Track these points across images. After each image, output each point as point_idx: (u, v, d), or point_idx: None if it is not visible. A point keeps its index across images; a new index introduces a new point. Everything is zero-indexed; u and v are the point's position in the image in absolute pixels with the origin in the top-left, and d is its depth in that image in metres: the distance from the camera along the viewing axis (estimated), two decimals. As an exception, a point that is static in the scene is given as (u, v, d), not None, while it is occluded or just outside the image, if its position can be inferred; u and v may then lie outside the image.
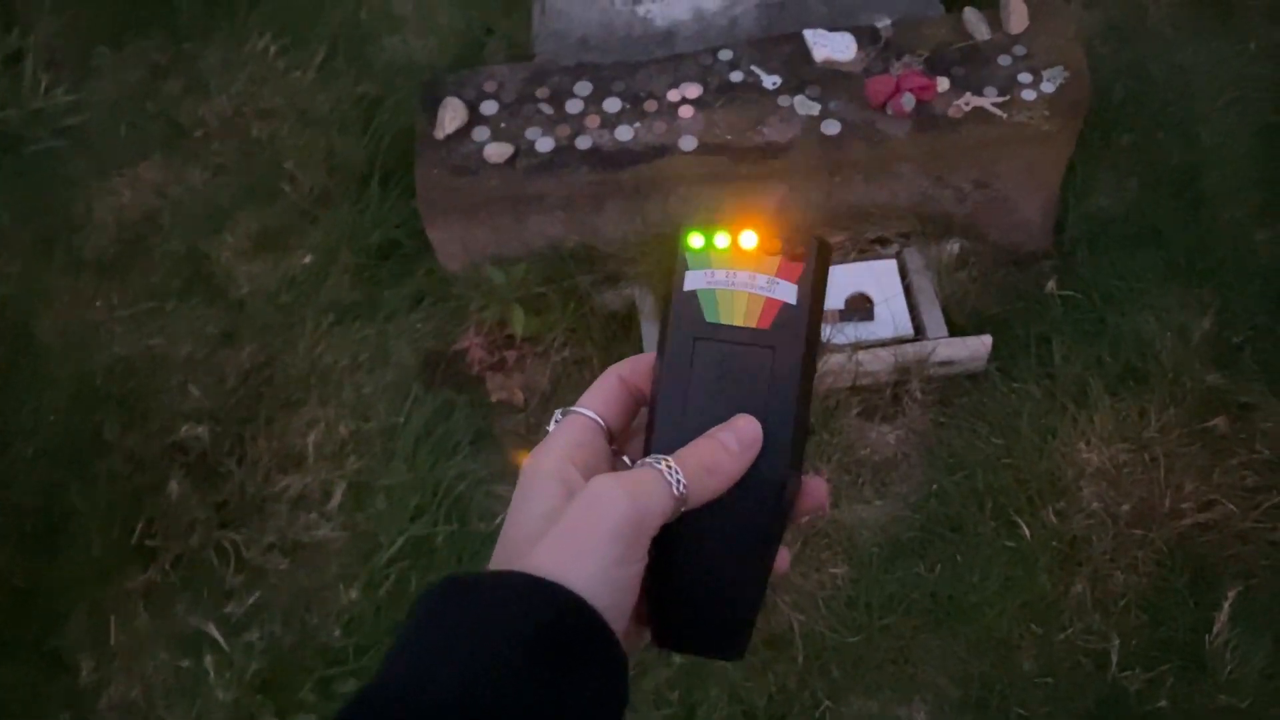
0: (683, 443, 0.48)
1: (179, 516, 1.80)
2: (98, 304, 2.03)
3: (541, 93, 1.89)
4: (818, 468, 1.81)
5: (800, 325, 0.49)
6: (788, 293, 0.49)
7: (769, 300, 0.49)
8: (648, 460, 0.48)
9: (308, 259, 2.00)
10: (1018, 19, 1.88)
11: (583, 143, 1.83)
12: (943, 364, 1.85)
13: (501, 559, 0.46)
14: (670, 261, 0.51)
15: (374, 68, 2.26)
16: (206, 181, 2.15)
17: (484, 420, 1.90)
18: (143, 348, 1.98)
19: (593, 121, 1.85)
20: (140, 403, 1.92)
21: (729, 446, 0.48)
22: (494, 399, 1.92)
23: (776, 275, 0.49)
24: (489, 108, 1.87)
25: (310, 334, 1.94)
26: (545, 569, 0.43)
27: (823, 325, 1.85)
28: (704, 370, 0.50)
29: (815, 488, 0.52)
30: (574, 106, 1.87)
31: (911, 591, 1.72)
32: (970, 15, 1.90)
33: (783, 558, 0.51)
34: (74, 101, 2.30)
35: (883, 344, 1.84)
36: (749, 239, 0.50)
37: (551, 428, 0.50)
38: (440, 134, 1.84)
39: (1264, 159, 2.10)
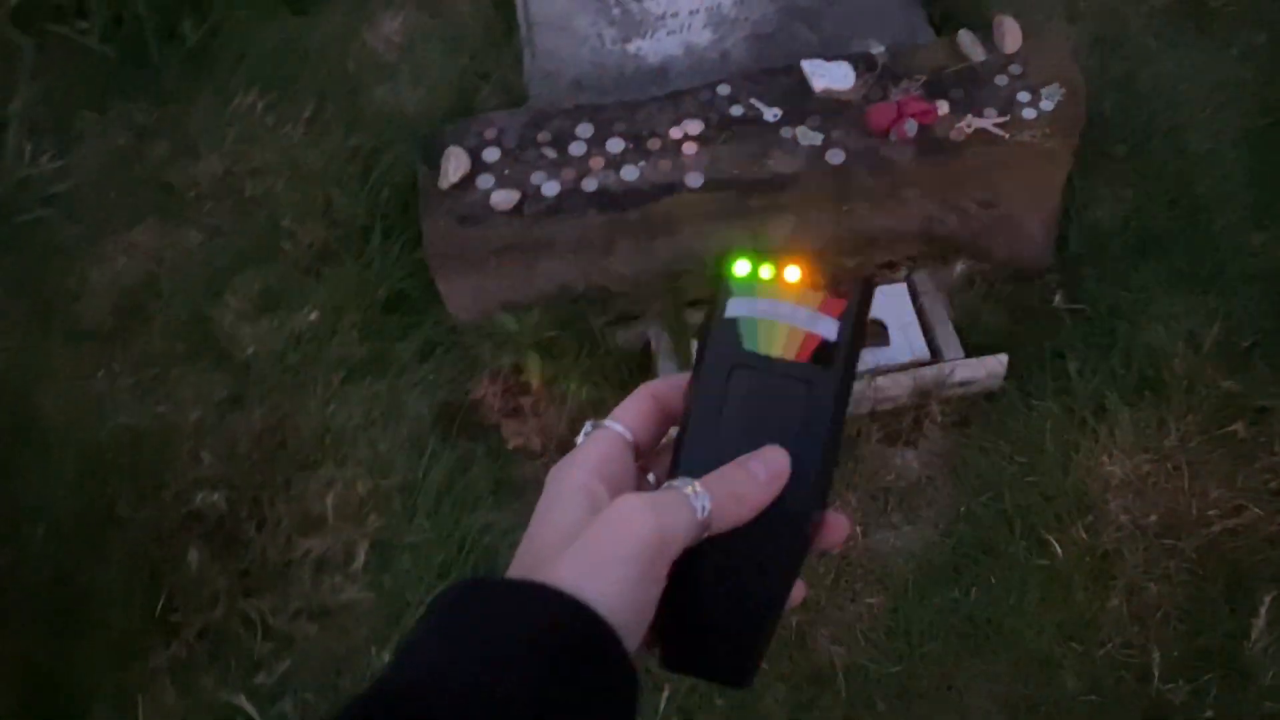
0: (711, 467, 0.48)
1: (201, 587, 1.76)
2: (100, 374, 1.99)
3: (543, 137, 1.88)
4: (844, 497, 1.80)
5: (838, 362, 0.49)
6: (829, 329, 0.49)
7: (809, 335, 0.49)
8: (674, 483, 0.48)
9: (313, 316, 1.98)
10: (1012, 39, 1.90)
11: (589, 185, 1.82)
12: (960, 385, 1.86)
13: (522, 567, 0.46)
14: (712, 285, 0.52)
15: (365, 118, 2.24)
16: (203, 243, 2.12)
17: (503, 469, 1.88)
18: (150, 416, 1.94)
19: (597, 163, 1.84)
20: (152, 473, 1.88)
21: (757, 476, 0.48)
22: (511, 446, 1.90)
23: (819, 310, 0.49)
24: (491, 155, 1.86)
25: (321, 393, 1.92)
26: (566, 582, 0.43)
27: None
28: (738, 398, 0.50)
29: (837, 524, 0.52)
30: (577, 149, 1.86)
31: (949, 617, 1.71)
32: (965, 37, 1.91)
33: (798, 590, 0.51)
34: (60, 168, 2.26)
35: (901, 368, 1.84)
36: (794, 271, 0.50)
37: (581, 439, 0.51)
38: (444, 184, 1.82)
39: (1254, 162, 2.12)
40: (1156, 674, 1.64)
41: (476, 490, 1.84)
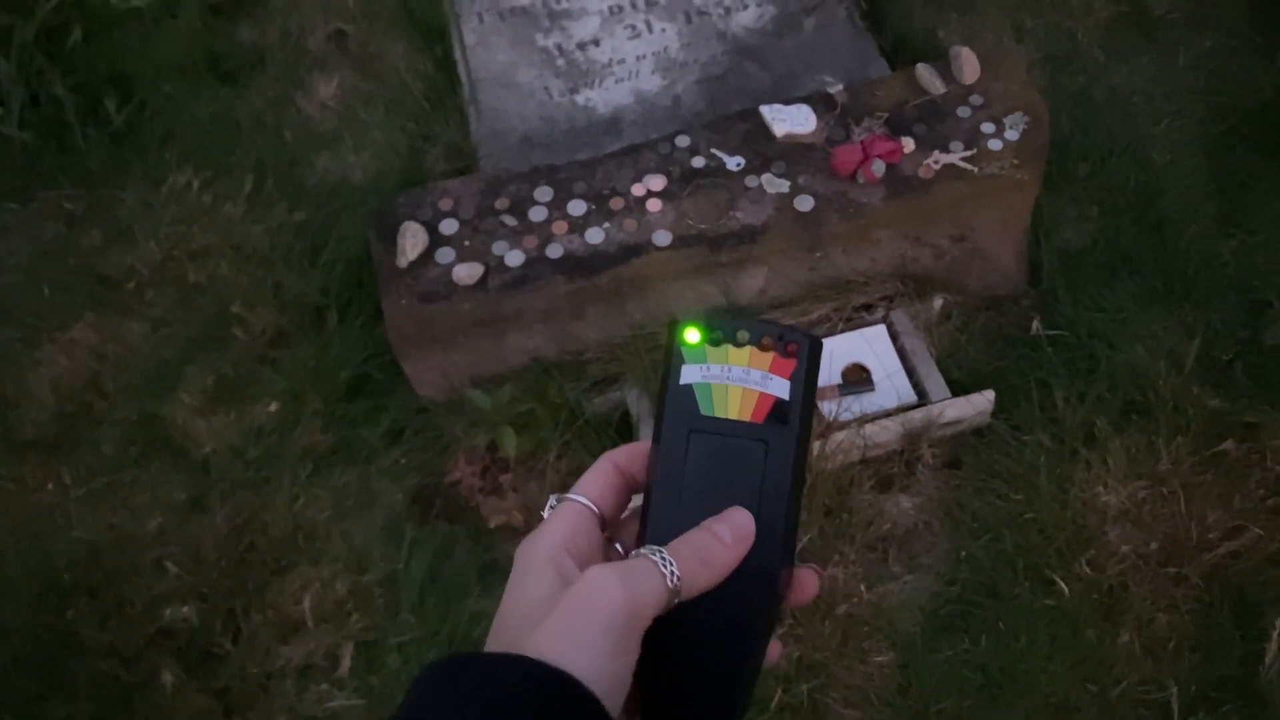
0: (677, 533, 0.49)
1: (178, 711, 1.66)
2: (48, 486, 1.88)
3: (501, 204, 1.81)
4: (841, 550, 1.75)
5: (793, 419, 0.51)
6: (781, 388, 0.51)
7: (762, 395, 0.51)
8: (643, 551, 0.48)
9: (273, 407, 1.88)
10: (970, 69, 1.87)
11: (554, 251, 1.76)
12: (949, 424, 1.82)
13: (498, 644, 0.46)
14: (663, 354, 0.53)
15: (308, 190, 2.15)
16: (147, 336, 2.02)
17: (487, 551, 1.80)
18: (106, 527, 1.83)
19: (560, 228, 1.78)
20: (113, 590, 1.77)
21: (723, 538, 0.49)
22: (493, 525, 1.82)
23: (770, 371, 0.51)
24: (449, 227, 1.78)
25: (288, 487, 1.82)
26: (544, 655, 0.44)
27: (823, 405, 1.81)
28: (698, 462, 0.51)
29: (806, 579, 0.52)
30: (538, 214, 1.79)
31: (961, 669, 1.67)
32: (923, 70, 1.88)
33: (773, 649, 0.52)
34: (-13, 268, 2.14)
35: (888, 414, 1.79)
36: (743, 335, 0.52)
37: (546, 514, 0.51)
38: (403, 261, 1.74)
39: (1214, 170, 2.12)
40: (1176, 709, 1.61)
41: (462, 577, 1.76)
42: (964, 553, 1.76)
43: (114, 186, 2.20)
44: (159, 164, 2.21)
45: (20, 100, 2.30)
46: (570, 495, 0.52)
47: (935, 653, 1.68)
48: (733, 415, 0.51)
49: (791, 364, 0.52)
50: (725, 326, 0.52)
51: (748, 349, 0.52)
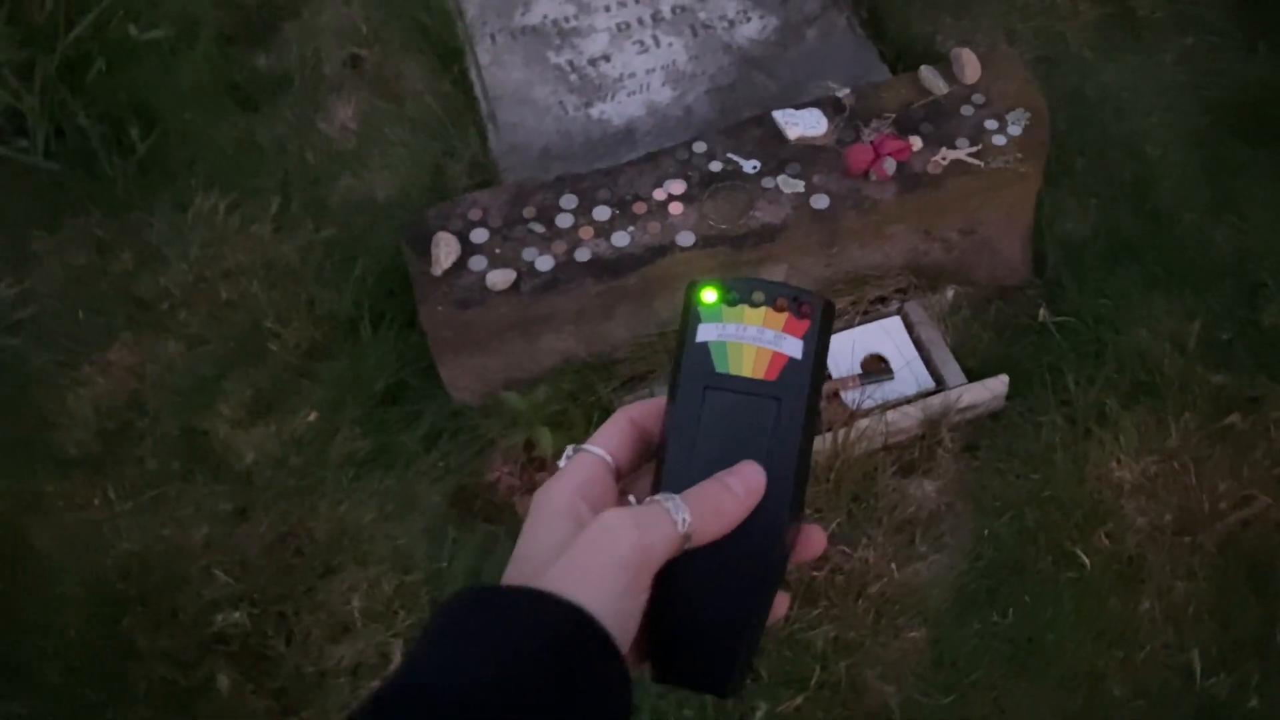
0: (689, 484, 0.51)
1: (236, 712, 1.70)
2: (95, 502, 1.93)
3: (528, 212, 1.88)
4: (870, 533, 1.82)
5: (804, 378, 0.52)
6: (794, 348, 0.53)
7: (776, 354, 0.53)
8: (656, 498, 0.50)
9: (312, 417, 1.94)
10: (971, 70, 1.95)
11: (582, 255, 1.83)
12: (965, 409, 1.89)
13: (513, 581, 0.48)
14: (681, 313, 0.55)
15: (333, 209, 2.21)
16: (184, 354, 2.07)
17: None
18: (154, 539, 1.88)
19: (587, 233, 1.85)
20: (165, 598, 1.82)
21: (733, 490, 0.51)
22: (528, 524, 1.88)
23: (783, 331, 0.53)
24: (479, 236, 1.85)
25: (331, 493, 1.88)
26: (559, 590, 0.45)
27: (845, 394, 1.88)
28: (712, 417, 0.53)
29: (814, 535, 0.54)
30: (564, 221, 1.86)
31: (990, 641, 1.74)
32: (926, 72, 1.96)
33: (780, 602, 0.53)
34: (20, 294, 2.19)
35: (908, 400, 1.86)
36: (758, 296, 0.53)
37: (563, 463, 0.53)
38: (437, 270, 1.81)
39: (1204, 160, 2.21)
40: (1198, 670, 1.68)
41: (503, 573, 1.81)
42: (987, 531, 1.83)
43: (142, 212, 2.26)
44: (185, 189, 2.27)
45: (45, 131, 2.36)
46: (586, 446, 0.54)
47: (965, 627, 1.75)
48: (746, 373, 0.53)
49: (805, 324, 0.53)
50: (741, 287, 0.54)
51: (763, 309, 0.53)
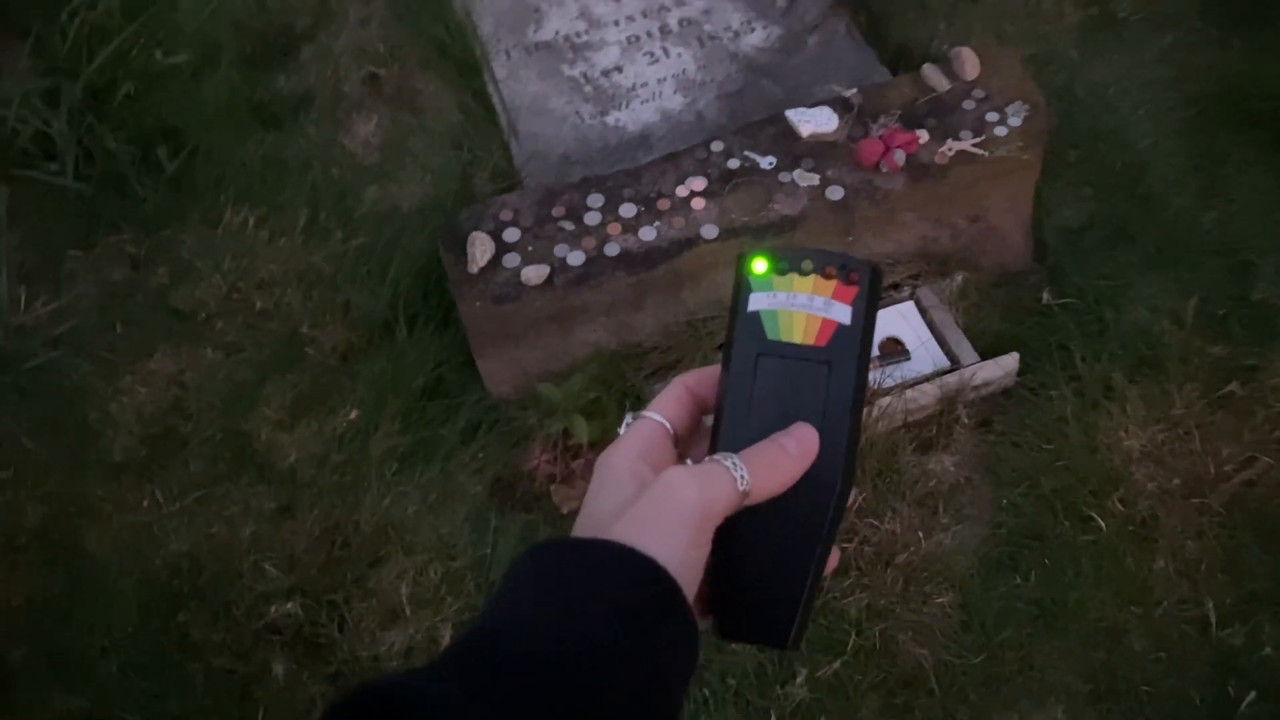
0: (746, 446, 0.53)
1: (294, 697, 1.76)
2: (144, 504, 1.98)
3: (558, 211, 1.96)
4: (896, 507, 1.90)
5: (854, 343, 0.54)
6: (843, 314, 0.54)
7: (825, 320, 0.54)
8: (715, 457, 0.52)
9: (353, 415, 2.01)
10: (971, 66, 2.07)
11: (611, 250, 1.91)
12: (979, 386, 1.98)
13: (583, 534, 0.51)
14: (733, 285, 0.56)
15: (360, 220, 2.29)
16: (223, 362, 2.14)
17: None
18: (203, 538, 1.94)
19: (614, 229, 1.94)
20: (218, 593, 1.87)
21: (789, 450, 0.53)
22: (564, 511, 1.95)
23: (832, 298, 0.54)
24: (512, 235, 1.94)
25: (376, 486, 1.94)
26: (626, 542, 0.48)
27: (869, 367, 1.97)
28: (766, 382, 0.55)
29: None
30: (592, 219, 1.95)
31: (1015, 602, 1.82)
32: (929, 70, 2.07)
33: (833, 558, 0.56)
34: (57, 310, 2.25)
35: (926, 379, 1.96)
36: (807, 265, 0.55)
37: (623, 429, 0.55)
38: (474, 269, 1.89)
39: (1190, 149, 2.33)
40: (1214, 622, 1.77)
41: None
42: (1005, 501, 1.92)
43: (174, 229, 2.34)
44: (214, 205, 2.35)
45: (74, 154, 2.43)
46: (645, 413, 0.56)
47: (990, 590, 1.83)
48: (797, 339, 0.54)
49: (853, 291, 0.54)
50: (791, 256, 0.55)
51: (812, 277, 0.55)
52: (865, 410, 1.88)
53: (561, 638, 0.45)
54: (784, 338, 0.55)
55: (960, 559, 1.87)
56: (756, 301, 0.55)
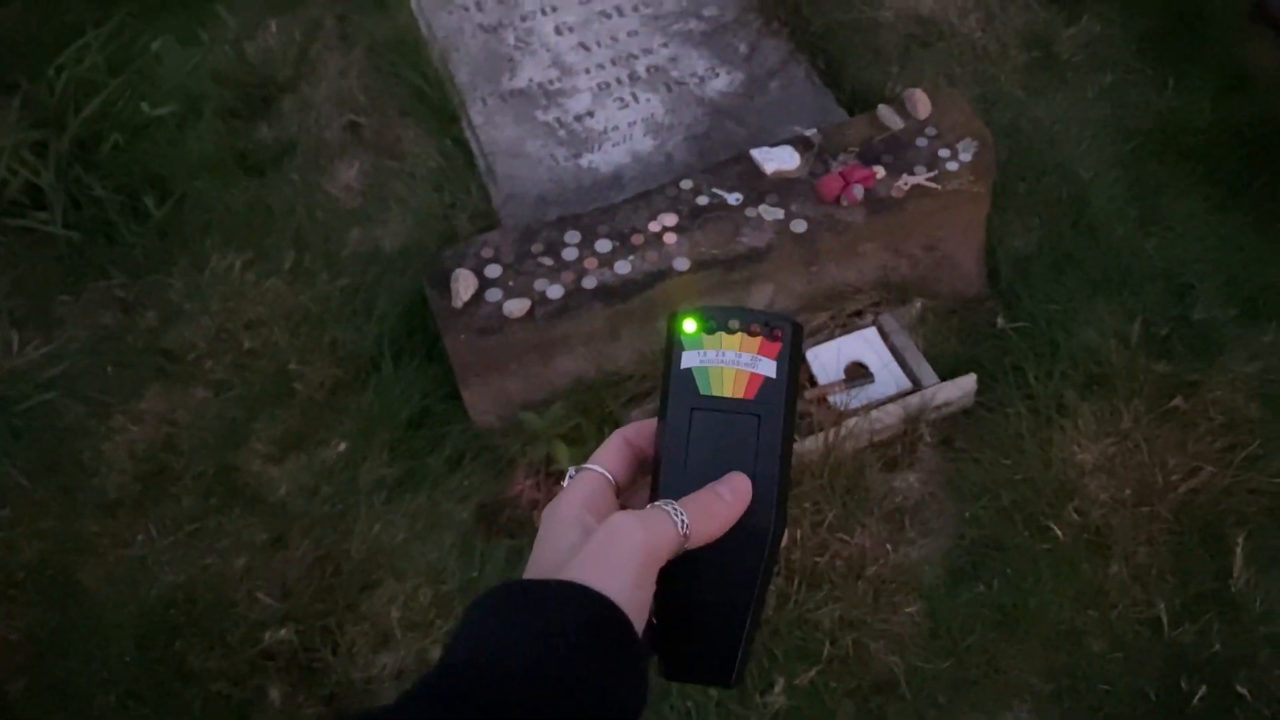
0: (683, 494, 0.57)
1: (290, 720, 1.82)
2: (138, 539, 2.04)
3: (536, 248, 2.06)
4: (864, 522, 1.99)
5: (780, 394, 0.58)
6: (768, 368, 0.58)
7: (753, 375, 0.58)
8: (657, 503, 0.56)
9: (342, 447, 2.08)
10: (923, 107, 2.20)
11: (589, 283, 2.01)
12: (940, 406, 2.09)
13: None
14: (665, 343, 0.60)
15: (345, 261, 2.38)
16: (213, 400, 2.21)
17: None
18: (197, 570, 2.00)
19: (591, 263, 2.04)
20: (212, 623, 1.93)
21: (724, 497, 0.57)
22: (548, 536, 2.03)
23: (758, 353, 0.58)
24: (493, 271, 2.03)
25: (365, 515, 2.01)
26: (578, 581, 0.51)
27: (832, 397, 2.07)
28: (700, 434, 0.58)
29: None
30: (570, 254, 2.05)
31: (980, 609, 1.91)
32: (884, 110, 2.20)
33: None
34: (49, 354, 2.32)
35: (889, 400, 2.06)
36: (733, 324, 0.59)
37: (567, 482, 0.58)
38: (458, 303, 1.98)
39: (1130, 181, 2.47)
40: (1165, 623, 1.87)
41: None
42: (968, 514, 2.02)
43: (162, 274, 2.41)
44: (201, 250, 2.43)
45: (63, 203, 2.51)
46: (587, 465, 0.59)
47: (956, 599, 1.92)
48: (728, 393, 0.58)
49: (777, 346, 0.58)
50: (718, 316, 0.59)
51: (738, 335, 0.58)
52: (833, 431, 1.99)
53: (523, 673, 0.48)
54: (715, 392, 0.58)
55: (927, 570, 1.96)
56: (688, 359, 0.59)
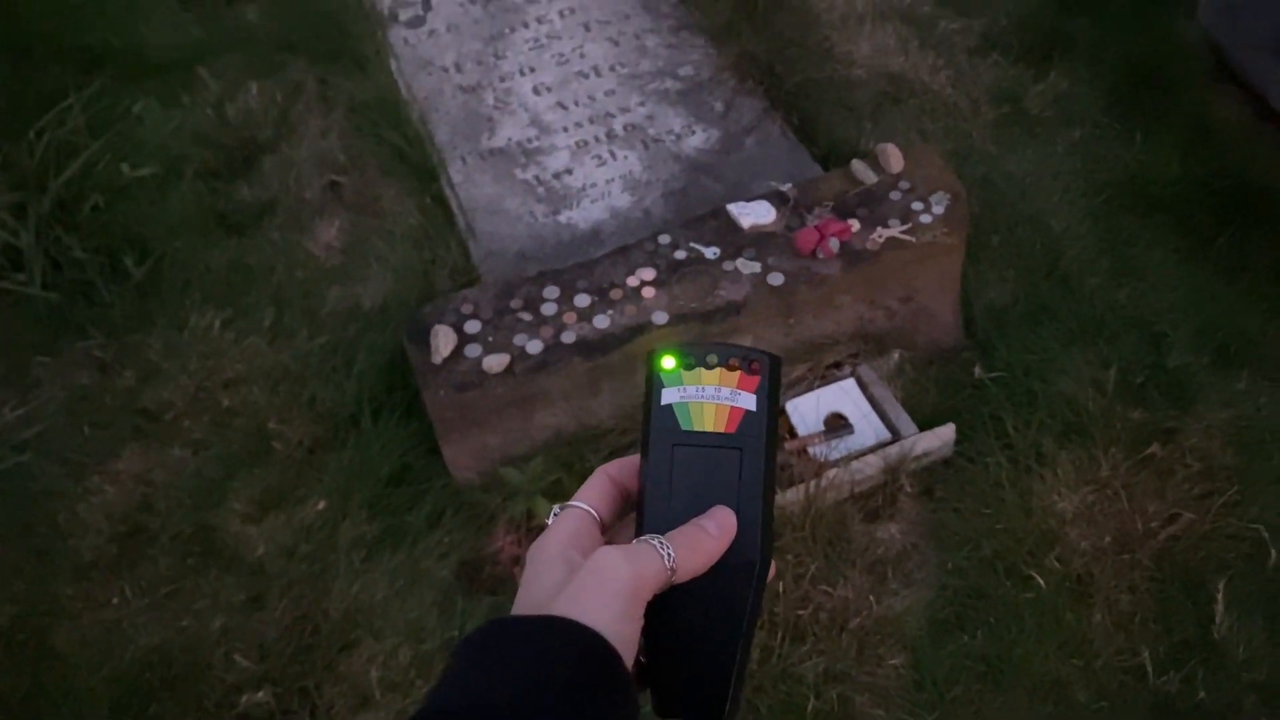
0: (669, 528, 0.57)
1: (267, 785, 1.78)
2: (113, 601, 2.01)
3: (515, 303, 2.07)
4: (847, 574, 1.99)
5: (761, 427, 0.59)
6: (748, 401, 0.59)
7: (733, 409, 0.59)
8: (643, 538, 0.56)
9: (321, 505, 2.07)
10: (895, 161, 2.24)
11: (568, 337, 2.02)
12: (919, 457, 2.10)
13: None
14: (645, 381, 0.61)
15: (325, 319, 2.38)
16: (190, 459, 2.19)
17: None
18: (173, 631, 1.97)
19: (570, 318, 2.05)
20: (189, 686, 1.90)
21: (709, 530, 0.57)
22: (529, 593, 2.01)
23: (738, 387, 0.59)
24: (473, 327, 2.04)
25: (344, 573, 1.99)
26: (565, 616, 0.51)
27: (813, 449, 2.08)
28: (683, 469, 0.59)
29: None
30: (549, 309, 2.06)
31: (964, 660, 1.90)
32: (857, 165, 2.24)
33: (770, 569, 0.60)
34: (24, 416, 2.30)
35: (869, 451, 2.07)
36: (712, 359, 0.60)
37: (550, 520, 0.59)
38: (437, 359, 1.99)
39: (1102, 232, 2.51)
40: (1150, 671, 1.87)
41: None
42: (950, 564, 2.02)
43: (141, 333, 2.41)
44: (181, 309, 2.43)
45: (41, 265, 2.51)
46: (571, 503, 0.59)
47: (940, 650, 1.91)
48: (709, 428, 0.58)
49: (756, 380, 0.59)
50: (696, 352, 0.59)
51: (717, 370, 0.59)
52: (813, 483, 1.99)
53: (511, 711, 0.48)
54: (696, 427, 0.59)
55: (910, 621, 1.95)
56: (668, 395, 0.59)
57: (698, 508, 0.58)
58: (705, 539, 0.56)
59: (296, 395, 2.23)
